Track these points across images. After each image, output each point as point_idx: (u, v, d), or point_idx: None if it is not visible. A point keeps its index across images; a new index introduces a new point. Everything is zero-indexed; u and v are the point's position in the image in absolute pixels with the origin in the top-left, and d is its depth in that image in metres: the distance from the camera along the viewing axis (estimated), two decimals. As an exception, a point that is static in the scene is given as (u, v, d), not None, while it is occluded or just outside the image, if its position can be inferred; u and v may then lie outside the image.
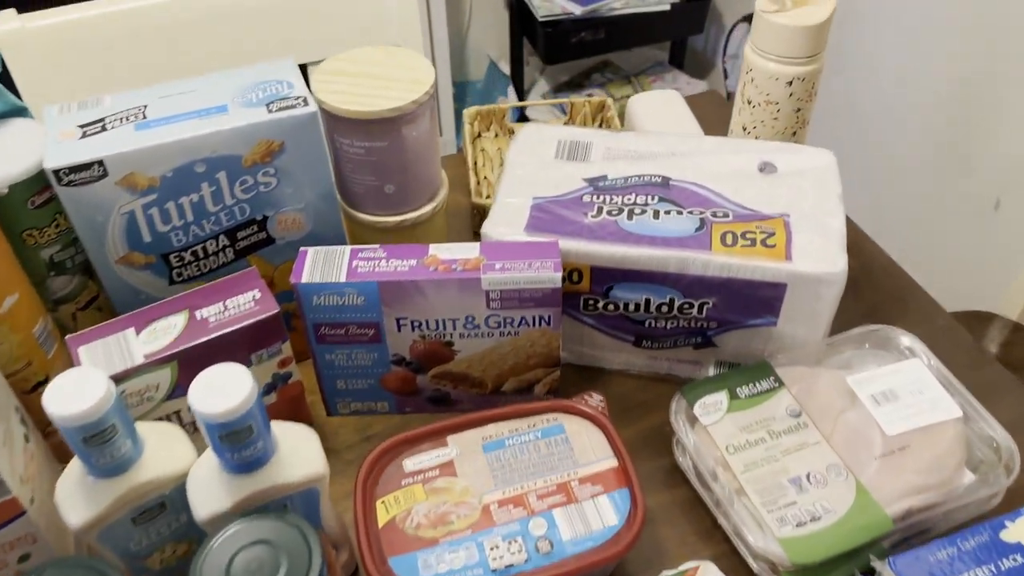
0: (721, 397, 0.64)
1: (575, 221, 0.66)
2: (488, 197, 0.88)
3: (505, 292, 0.62)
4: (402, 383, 0.68)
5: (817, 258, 0.63)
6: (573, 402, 0.62)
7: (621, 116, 0.98)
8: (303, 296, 0.61)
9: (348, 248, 0.62)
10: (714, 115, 1.02)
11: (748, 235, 0.64)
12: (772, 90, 0.77)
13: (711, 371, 0.72)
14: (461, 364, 0.67)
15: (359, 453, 0.68)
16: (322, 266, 0.61)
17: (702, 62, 2.14)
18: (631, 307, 0.68)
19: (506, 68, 1.97)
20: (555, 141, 0.74)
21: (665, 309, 0.67)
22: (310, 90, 0.64)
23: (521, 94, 1.98)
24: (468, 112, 0.95)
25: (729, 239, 0.64)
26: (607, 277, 0.66)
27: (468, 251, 0.63)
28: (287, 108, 0.60)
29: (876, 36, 1.52)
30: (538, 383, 0.69)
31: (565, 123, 0.97)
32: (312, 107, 0.61)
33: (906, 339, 0.67)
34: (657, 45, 2.04)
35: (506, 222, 0.67)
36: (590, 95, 2.00)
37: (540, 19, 1.80)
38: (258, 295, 0.58)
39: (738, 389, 0.64)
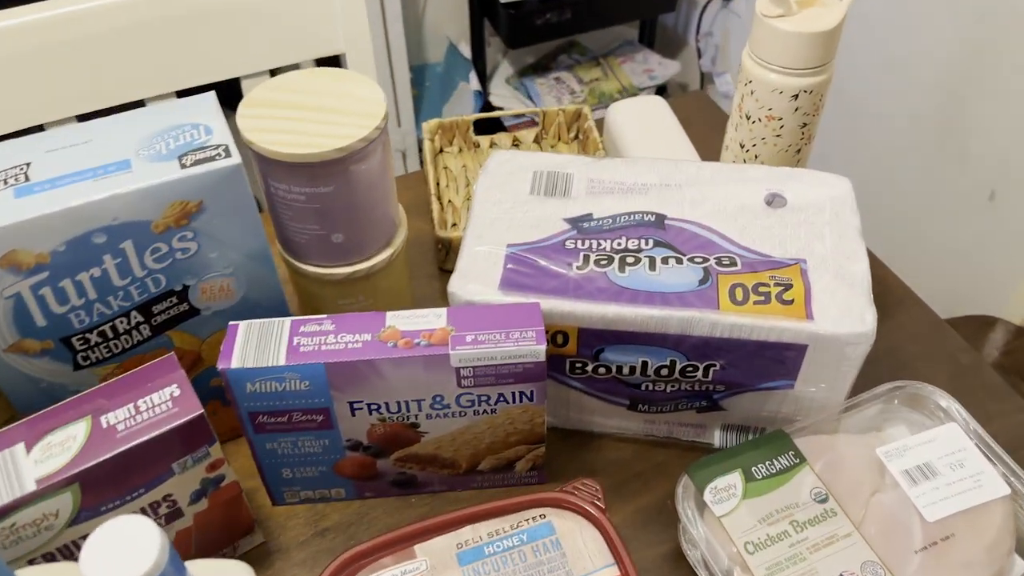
0: (735, 479, 0.55)
1: (558, 274, 0.57)
2: (455, 226, 0.78)
3: (479, 369, 0.52)
4: (360, 468, 0.58)
5: (841, 314, 0.54)
6: (563, 494, 0.53)
7: (599, 123, 0.88)
8: (233, 384, 0.50)
9: (288, 321, 0.52)
10: (702, 119, 0.92)
11: (761, 288, 0.55)
12: (775, 104, 0.67)
13: (717, 436, 0.63)
14: (429, 446, 0.57)
15: (312, 552, 0.58)
16: (256, 345, 0.51)
17: (673, 40, 2.04)
18: (625, 370, 0.58)
19: (467, 51, 1.85)
20: (530, 173, 0.64)
21: (665, 372, 0.58)
22: (234, 127, 0.53)
23: (484, 79, 1.86)
24: (428, 126, 0.84)
25: (739, 294, 0.55)
26: (597, 339, 0.57)
27: (433, 320, 0.53)
28: (204, 161, 0.49)
29: (863, 21, 1.42)
30: (520, 459, 0.60)
31: (538, 135, 0.87)
32: (235, 159, 0.50)
33: (938, 396, 0.59)
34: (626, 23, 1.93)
35: (476, 277, 0.57)
36: (557, 78, 1.89)
37: (502, 1, 1.68)
38: (176, 392, 0.47)
39: (754, 468, 0.55)
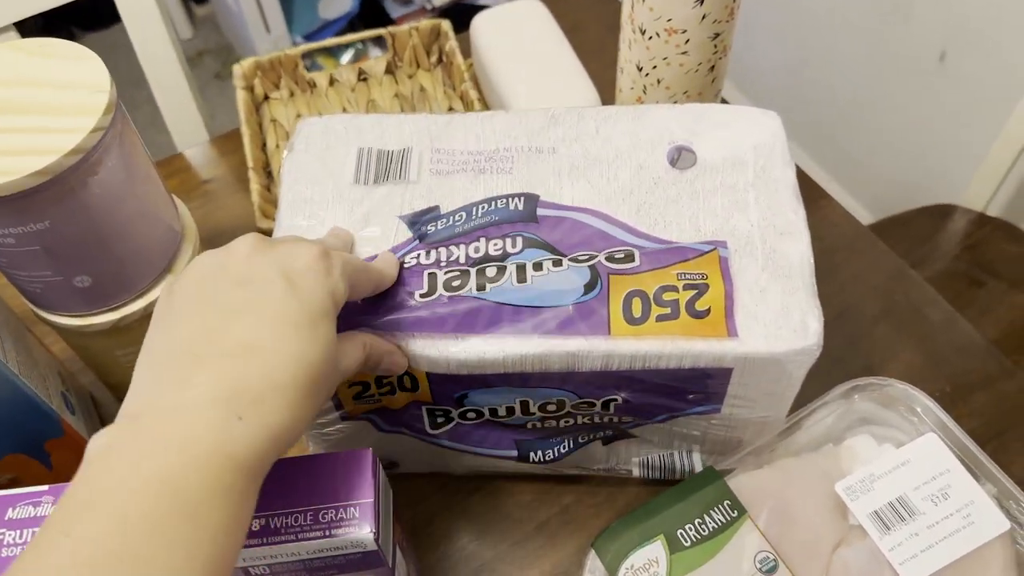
0: (656, 551, 0.42)
1: (395, 307, 0.41)
2: (286, 206, 0.61)
3: (277, 567, 0.36)
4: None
5: (776, 323, 0.40)
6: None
7: (466, 46, 0.69)
8: None
9: None
10: (596, 22, 0.74)
11: (665, 296, 0.40)
12: (676, 14, 0.50)
13: (635, 467, 0.49)
14: None
15: None
16: None
17: None
18: (501, 411, 0.44)
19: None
20: (353, 149, 0.47)
21: (552, 409, 0.43)
22: None
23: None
24: (241, 68, 0.65)
25: (637, 308, 0.40)
26: (455, 384, 0.42)
27: None
28: None
29: None
30: None
31: (390, 63, 0.68)
32: None
33: (908, 395, 0.45)
34: None
35: (282, 322, 0.41)
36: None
37: None
38: None
39: (680, 532, 0.42)
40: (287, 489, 0.35)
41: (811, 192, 0.62)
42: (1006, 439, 0.51)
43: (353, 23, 1.65)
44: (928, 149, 1.18)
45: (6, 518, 0.36)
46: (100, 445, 0.29)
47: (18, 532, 0.35)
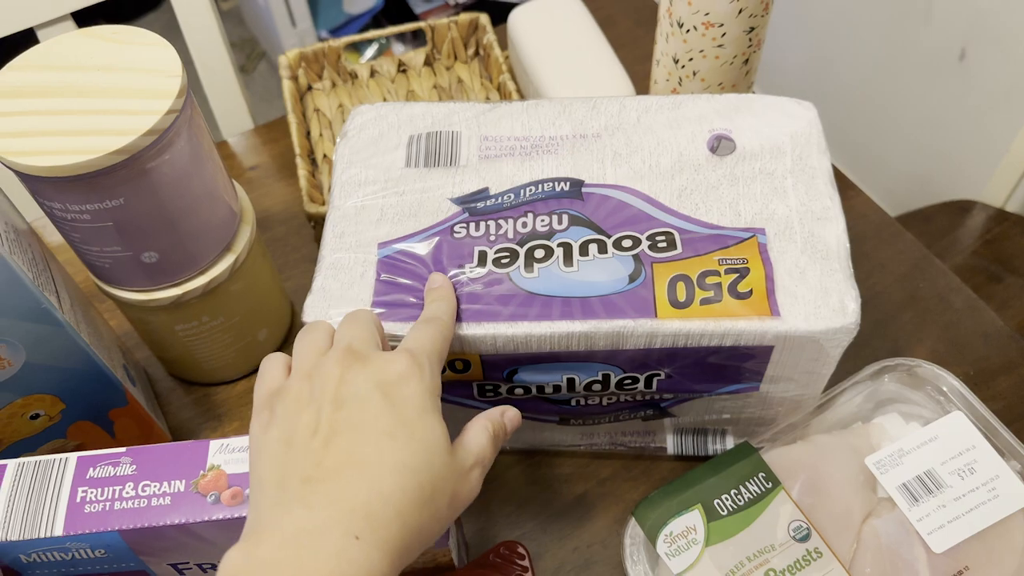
0: (694, 519, 0.44)
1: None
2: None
3: None
4: None
5: (815, 302, 0.42)
6: (482, 570, 0.42)
7: (502, 38, 0.71)
8: (2, 556, 0.37)
9: (72, 461, 0.38)
10: (629, 16, 0.76)
11: (708, 280, 0.42)
12: (713, 8, 0.52)
13: (670, 442, 0.51)
14: None
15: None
16: (28, 500, 0.37)
17: None
18: (548, 389, 0.46)
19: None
20: (404, 136, 0.49)
21: (598, 387, 0.45)
22: None
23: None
24: (287, 59, 0.67)
25: (681, 292, 0.42)
26: (506, 362, 0.44)
27: None
28: (-101, 211, 0.34)
29: None
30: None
31: (428, 55, 0.70)
32: (-55, 201, 0.34)
33: (935, 375, 0.47)
34: None
35: (339, 297, 0.43)
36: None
37: None
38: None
39: (717, 501, 0.44)
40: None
41: (840, 183, 0.64)
42: (1029, 421, 0.53)
43: (377, 18, 1.67)
44: (948, 146, 1.19)
45: (87, 477, 0.38)
46: (234, 565, 0.30)
47: (99, 490, 0.38)
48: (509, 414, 0.40)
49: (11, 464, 0.38)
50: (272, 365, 0.37)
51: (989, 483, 0.44)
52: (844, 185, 0.64)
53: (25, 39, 0.64)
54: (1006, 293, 0.91)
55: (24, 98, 0.41)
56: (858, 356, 0.50)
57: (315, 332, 0.38)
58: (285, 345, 0.57)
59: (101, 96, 0.41)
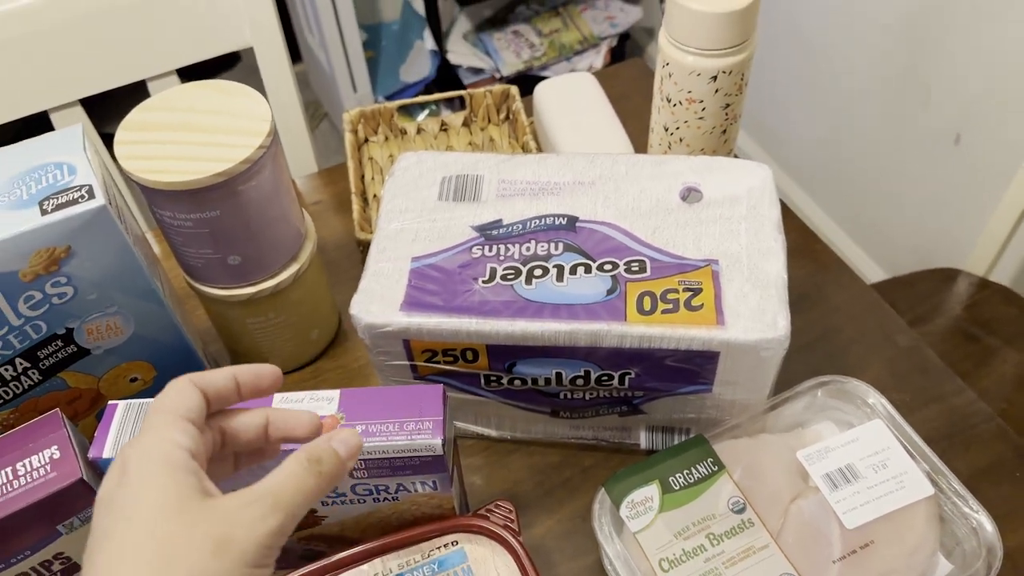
0: (651, 492, 0.54)
1: (464, 290, 0.54)
2: (377, 225, 0.75)
3: (371, 461, 0.49)
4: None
5: (753, 318, 0.52)
6: (476, 519, 0.52)
7: (528, 105, 0.84)
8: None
9: None
10: (639, 92, 0.89)
11: (669, 295, 0.53)
12: (694, 87, 0.64)
13: (642, 438, 0.61)
14: (332, 528, 0.54)
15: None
16: (132, 430, 0.49)
17: (636, -19, 1.97)
18: (541, 381, 0.57)
19: (421, 7, 1.79)
20: (439, 177, 0.61)
21: (580, 382, 0.56)
22: (114, 156, 0.50)
23: (439, 37, 1.80)
24: (349, 116, 0.81)
25: (647, 303, 0.53)
26: (508, 354, 0.55)
27: (324, 405, 0.49)
28: (67, 205, 0.46)
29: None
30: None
31: (467, 117, 0.83)
32: (98, 200, 0.47)
33: (863, 391, 0.57)
34: (586, -34, 1.86)
35: (379, 297, 0.55)
36: (515, 31, 1.83)
37: (452, -49, 1.61)
38: (56, 454, 0.46)
39: (671, 479, 0.54)
40: (381, 408, 0.48)
41: (809, 239, 0.75)
42: (953, 442, 0.62)
43: (429, 87, 1.83)
44: (940, 218, 1.29)
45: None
46: None
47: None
48: (339, 436, 0.38)
49: (121, 404, 0.49)
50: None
51: (899, 476, 0.53)
52: (811, 240, 0.74)
53: (135, 90, 0.78)
54: (983, 352, 1.00)
55: (150, 131, 0.54)
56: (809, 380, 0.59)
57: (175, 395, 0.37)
58: (332, 345, 0.69)
59: (208, 132, 0.54)
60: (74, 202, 0.47)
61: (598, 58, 1.83)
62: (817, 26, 1.43)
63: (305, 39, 1.85)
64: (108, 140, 0.56)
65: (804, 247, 0.75)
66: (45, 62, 0.75)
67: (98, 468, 0.48)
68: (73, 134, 0.50)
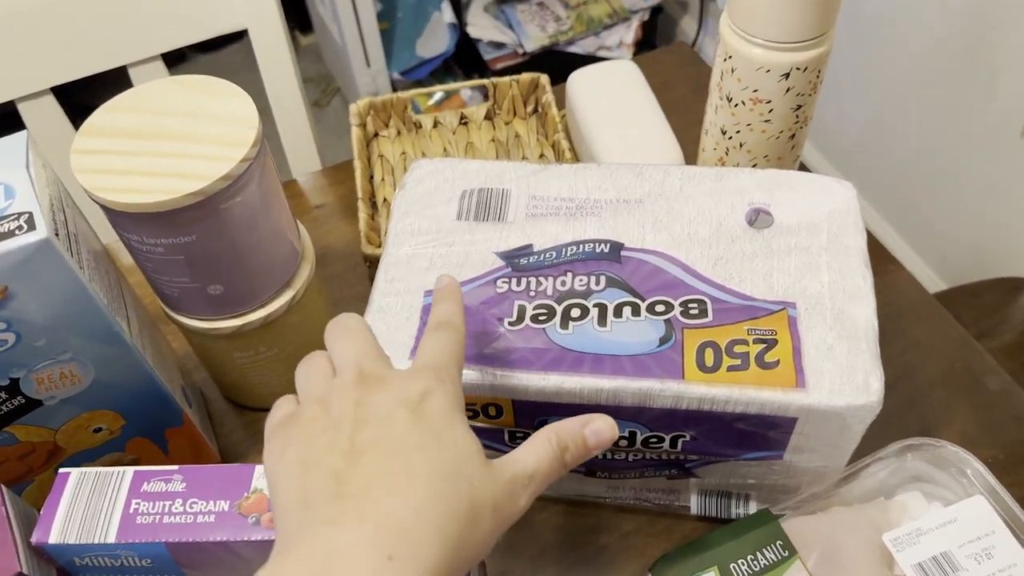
0: (708, 581, 0.45)
1: (486, 334, 0.45)
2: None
3: None
4: None
5: (840, 379, 0.43)
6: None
7: (561, 98, 0.74)
8: (57, 556, 0.40)
9: (129, 475, 0.41)
10: (684, 82, 0.79)
11: (737, 348, 0.44)
12: (761, 85, 0.54)
13: (693, 502, 0.52)
14: None
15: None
16: (86, 508, 0.40)
17: (668, -51, 1.85)
18: (575, 440, 0.48)
19: (440, -23, 1.68)
20: (458, 191, 0.52)
21: (624, 443, 0.47)
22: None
23: (458, 8, 1.69)
24: (357, 107, 0.71)
25: (710, 358, 0.43)
26: (538, 411, 0.46)
27: None
28: (1, 238, 0.38)
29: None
30: None
31: (489, 110, 0.74)
32: (41, 232, 0.38)
33: (959, 458, 0.48)
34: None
35: (386, 341, 0.46)
36: (540, 4, 1.72)
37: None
38: (-13, 544, 0.37)
39: (733, 566, 0.45)
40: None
41: (880, 257, 0.65)
42: (1057, 511, 0.53)
43: (447, 63, 1.73)
44: (1004, 221, 1.18)
45: (141, 490, 0.41)
46: None
47: (151, 503, 0.41)
48: (594, 425, 0.36)
49: (74, 473, 0.41)
50: (283, 402, 0.36)
51: (1006, 570, 0.44)
52: (884, 259, 0.65)
53: (117, 77, 0.69)
54: (1055, 376, 0.90)
55: (115, 138, 0.45)
56: (886, 432, 0.50)
57: (316, 360, 0.37)
58: (332, 378, 0.60)
59: (183, 140, 0.45)
60: (10, 234, 0.38)
61: (629, 33, 1.71)
62: (876, 9, 1.31)
63: (316, 9, 1.74)
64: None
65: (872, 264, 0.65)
66: (11, 45, 0.66)
67: (44, 554, 0.39)
68: (14, 145, 0.41)
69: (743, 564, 0.45)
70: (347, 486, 0.30)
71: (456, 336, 0.38)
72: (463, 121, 0.74)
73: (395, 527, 0.29)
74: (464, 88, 0.74)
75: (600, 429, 0.37)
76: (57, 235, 0.39)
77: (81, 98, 0.83)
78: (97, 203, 0.44)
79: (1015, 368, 0.92)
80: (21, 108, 0.71)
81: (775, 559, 0.45)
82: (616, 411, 0.45)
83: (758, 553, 0.45)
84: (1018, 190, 1.15)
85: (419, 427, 0.32)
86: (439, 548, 0.29)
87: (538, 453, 0.35)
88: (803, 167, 0.65)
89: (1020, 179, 1.15)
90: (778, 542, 0.46)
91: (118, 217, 0.44)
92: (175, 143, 0.45)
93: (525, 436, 0.48)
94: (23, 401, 0.44)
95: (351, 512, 0.29)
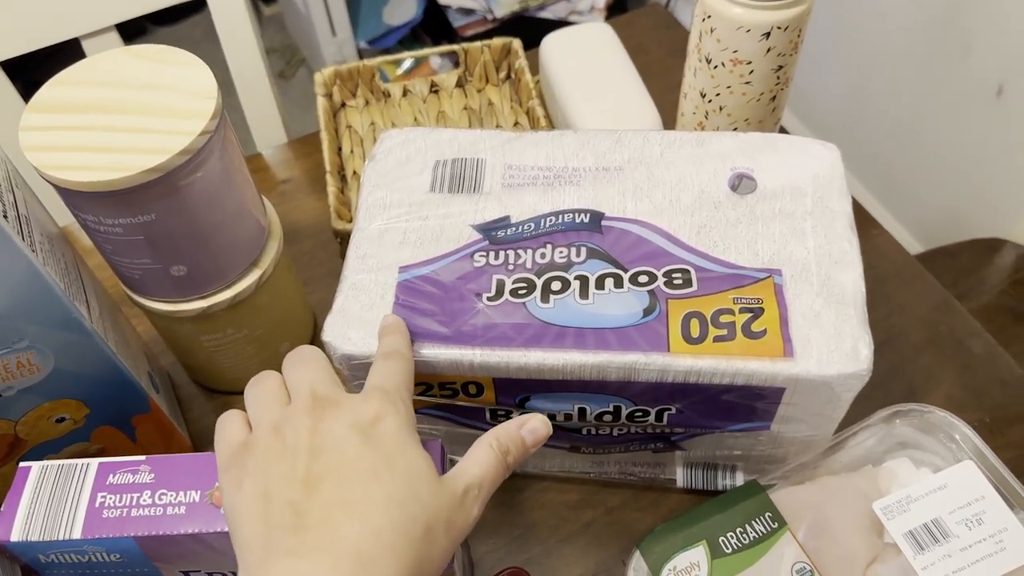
0: (698, 556, 0.44)
1: (463, 311, 0.44)
2: (357, 209, 0.64)
3: None
4: None
5: (828, 346, 0.42)
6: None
7: (534, 63, 0.72)
8: (21, 555, 0.38)
9: (94, 466, 0.40)
10: (660, 45, 0.77)
11: (722, 318, 0.42)
12: (741, 46, 0.53)
13: (679, 475, 0.51)
14: None
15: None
16: (49, 503, 0.38)
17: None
18: (559, 417, 0.46)
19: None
20: (431, 161, 0.50)
21: (608, 418, 0.46)
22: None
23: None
24: (322, 76, 0.69)
25: (695, 328, 0.42)
26: (520, 388, 0.44)
27: None
28: (-59, 222, 0.35)
29: None
30: None
31: (460, 77, 0.71)
32: (-16, 214, 0.36)
33: (947, 423, 0.47)
34: None
35: (358, 319, 0.44)
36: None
37: None
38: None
39: (722, 539, 0.44)
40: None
41: (863, 221, 0.64)
42: (1044, 473, 0.52)
43: (416, 30, 1.69)
44: (982, 182, 1.18)
45: (107, 483, 0.39)
46: None
47: (118, 496, 0.39)
48: (530, 424, 0.38)
49: (35, 467, 0.39)
50: (231, 421, 0.36)
51: (997, 535, 0.44)
52: (867, 223, 0.64)
53: (70, 48, 0.66)
54: (1033, 335, 0.90)
55: (65, 113, 0.43)
56: (872, 398, 0.49)
57: (267, 382, 0.37)
58: (306, 358, 0.58)
59: (139, 114, 0.43)
60: (-48, 218, 0.35)
61: (599, -3, 1.68)
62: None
63: (279, -23, 1.70)
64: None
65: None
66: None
67: (7, 552, 0.38)
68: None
69: (732, 537, 0.44)
70: (306, 517, 0.31)
71: (404, 364, 0.39)
72: (433, 89, 0.72)
73: (354, 555, 0.30)
74: (434, 55, 0.72)
75: (535, 428, 0.38)
76: (6, 217, 0.37)
77: (36, 75, 0.80)
78: (50, 182, 0.41)
79: (993, 330, 0.92)
80: (-31, 84, 0.68)
81: (764, 531, 0.44)
82: (600, 385, 0.43)
83: (747, 525, 0.45)
84: (994, 150, 1.15)
85: (373, 452, 0.33)
86: (396, 567, 0.31)
87: (482, 461, 0.36)
88: (783, 132, 0.63)
89: (996, 139, 1.14)
90: (767, 514, 0.45)
91: (73, 197, 0.42)
92: (130, 117, 0.42)
93: (507, 414, 0.47)
94: (-22, 393, 0.42)
95: (311, 543, 0.30)
